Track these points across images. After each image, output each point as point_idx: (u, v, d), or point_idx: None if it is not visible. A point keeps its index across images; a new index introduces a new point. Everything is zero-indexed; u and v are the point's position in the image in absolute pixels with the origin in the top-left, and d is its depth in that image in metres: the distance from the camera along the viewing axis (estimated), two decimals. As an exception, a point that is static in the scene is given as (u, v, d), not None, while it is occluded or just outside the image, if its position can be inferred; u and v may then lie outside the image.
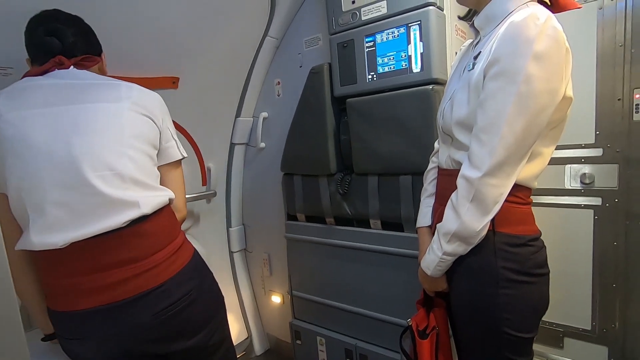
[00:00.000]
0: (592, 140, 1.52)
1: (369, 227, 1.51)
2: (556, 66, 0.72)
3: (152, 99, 1.01)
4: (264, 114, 1.92)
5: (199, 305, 0.99)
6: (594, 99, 1.49)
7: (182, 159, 1.08)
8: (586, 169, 1.54)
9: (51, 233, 0.80)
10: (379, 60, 1.35)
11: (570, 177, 1.58)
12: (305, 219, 1.73)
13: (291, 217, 1.79)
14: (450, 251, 0.83)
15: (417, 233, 1.08)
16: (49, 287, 0.88)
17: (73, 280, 0.84)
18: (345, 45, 1.43)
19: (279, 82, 1.85)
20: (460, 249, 0.82)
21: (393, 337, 1.41)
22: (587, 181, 1.53)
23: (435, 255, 0.87)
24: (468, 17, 0.91)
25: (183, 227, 1.79)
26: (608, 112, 1.47)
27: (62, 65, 0.93)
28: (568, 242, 1.58)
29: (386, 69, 1.34)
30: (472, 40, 0.97)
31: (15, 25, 1.08)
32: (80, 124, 0.85)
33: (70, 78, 0.92)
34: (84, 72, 0.97)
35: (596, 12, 1.47)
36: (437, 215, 0.95)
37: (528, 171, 0.81)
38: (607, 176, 1.50)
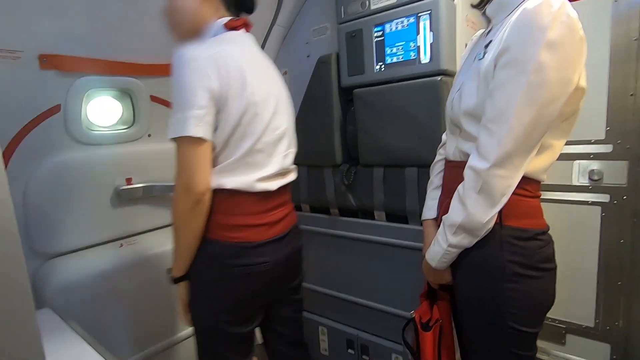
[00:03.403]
0: (602, 136, 1.49)
1: (374, 219, 1.51)
2: (569, 55, 0.70)
3: None
4: (270, 104, 1.91)
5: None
6: (606, 94, 1.46)
7: None
8: (595, 165, 1.52)
9: (270, 181, 0.99)
10: (388, 50, 1.33)
11: (579, 173, 1.56)
12: (310, 209, 1.73)
13: (296, 207, 1.78)
14: (456, 243, 0.83)
15: (422, 225, 1.07)
16: (246, 223, 0.96)
17: (267, 215, 0.99)
18: (353, 34, 1.42)
19: (285, 71, 1.83)
20: (466, 241, 0.82)
21: (395, 329, 1.42)
22: (595, 177, 1.52)
23: (440, 247, 0.86)
24: (480, 6, 0.89)
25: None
26: (619, 107, 1.45)
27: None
28: (574, 238, 1.57)
29: (394, 60, 1.32)
30: (483, 30, 0.95)
31: (22, 9, 1.08)
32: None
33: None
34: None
35: (611, 5, 1.44)
36: (443, 207, 0.95)
37: (537, 163, 0.79)
38: (616, 173, 1.48)
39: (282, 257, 1.03)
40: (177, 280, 0.99)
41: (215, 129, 0.89)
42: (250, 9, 1.07)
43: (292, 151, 1.10)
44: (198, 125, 0.84)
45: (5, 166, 0.85)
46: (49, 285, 1.29)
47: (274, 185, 1.00)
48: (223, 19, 0.99)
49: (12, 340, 0.40)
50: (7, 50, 1.11)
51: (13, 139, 1.23)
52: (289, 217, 1.09)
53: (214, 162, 0.93)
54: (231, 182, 0.93)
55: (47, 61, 1.20)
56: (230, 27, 0.98)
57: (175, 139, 0.86)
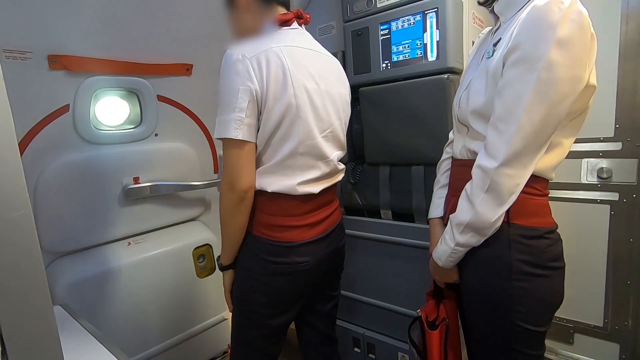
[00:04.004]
0: (611, 134, 1.48)
1: (380, 218, 1.51)
2: (580, 52, 0.69)
3: None
4: (276, 103, 1.91)
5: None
6: (615, 91, 1.45)
7: None
8: (604, 163, 1.51)
9: (312, 184, 0.98)
10: (394, 48, 1.33)
11: (587, 171, 1.54)
12: (316, 208, 1.73)
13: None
14: (463, 242, 0.82)
15: (428, 224, 1.07)
16: (287, 224, 0.98)
17: (309, 216, 1.00)
18: (359, 33, 1.41)
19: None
20: (474, 240, 0.81)
21: (401, 327, 1.42)
22: (604, 176, 1.50)
23: (448, 246, 0.86)
24: (488, 3, 0.88)
25: (194, 214, 1.82)
26: (629, 105, 1.43)
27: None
28: (583, 237, 1.55)
29: (401, 58, 1.32)
30: (490, 27, 0.94)
31: (32, 10, 1.09)
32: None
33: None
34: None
35: (620, 2, 1.42)
36: (450, 206, 0.94)
37: (546, 162, 0.79)
38: (626, 171, 1.47)
39: (323, 256, 1.04)
40: (224, 268, 1.04)
41: (258, 129, 0.91)
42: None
43: (339, 154, 1.08)
44: (239, 128, 0.86)
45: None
46: (59, 283, 1.31)
47: (316, 188, 0.99)
48: (272, 16, 0.99)
49: (30, 336, 0.41)
50: (17, 51, 1.12)
51: (23, 139, 1.25)
52: (332, 216, 1.08)
53: (257, 163, 0.95)
54: (272, 185, 0.94)
55: (56, 61, 1.22)
56: (281, 22, 0.98)
57: (220, 139, 0.89)
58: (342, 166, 1.11)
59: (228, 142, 0.88)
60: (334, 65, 1.08)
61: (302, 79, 0.92)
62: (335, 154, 1.05)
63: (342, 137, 1.09)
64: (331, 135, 1.02)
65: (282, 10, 1.01)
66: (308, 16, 1.05)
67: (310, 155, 0.97)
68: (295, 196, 0.96)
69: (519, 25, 0.72)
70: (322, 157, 1.00)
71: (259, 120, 0.90)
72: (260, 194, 0.95)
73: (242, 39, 1.01)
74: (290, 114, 0.91)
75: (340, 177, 1.11)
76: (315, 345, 1.23)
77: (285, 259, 0.97)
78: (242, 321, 1.05)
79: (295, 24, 1.01)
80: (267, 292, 0.99)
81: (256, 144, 0.92)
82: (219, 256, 1.04)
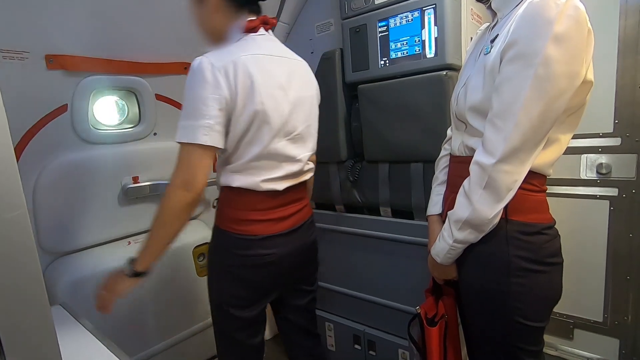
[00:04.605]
0: (610, 129, 1.48)
1: (379, 215, 1.51)
2: (577, 48, 0.69)
3: None
4: (275, 101, 1.91)
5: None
6: (614, 87, 1.45)
7: None
8: (603, 158, 1.51)
9: (277, 182, 1.00)
10: (392, 45, 1.33)
11: (586, 167, 1.54)
12: (315, 206, 1.73)
13: (301, 204, 1.79)
14: (461, 239, 0.82)
15: (427, 221, 1.07)
16: (252, 218, 1.00)
17: (275, 212, 1.02)
18: (357, 30, 1.41)
19: (289, 68, 1.83)
20: (472, 236, 0.81)
21: (401, 324, 1.42)
22: (603, 171, 1.50)
23: (446, 243, 0.86)
24: (485, -1, 0.88)
25: (194, 212, 1.82)
26: (628, 100, 1.43)
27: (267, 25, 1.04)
28: (582, 233, 1.55)
29: (399, 55, 1.31)
30: (488, 23, 0.94)
31: (28, 10, 1.09)
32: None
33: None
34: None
35: (620, -4, 1.42)
36: (448, 203, 0.94)
37: (544, 158, 0.79)
38: (625, 166, 1.46)
39: (290, 250, 1.06)
40: (140, 274, 0.98)
41: (227, 133, 0.93)
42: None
43: (306, 155, 1.09)
44: (207, 134, 0.88)
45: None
46: (59, 282, 1.31)
47: (281, 185, 1.01)
48: (239, 21, 0.99)
49: (27, 335, 0.41)
50: (15, 51, 1.12)
51: (21, 139, 1.25)
52: (300, 213, 1.10)
53: (226, 162, 0.98)
54: (237, 181, 0.97)
55: (54, 61, 1.21)
56: (247, 29, 0.98)
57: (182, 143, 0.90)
58: (310, 165, 1.13)
59: (193, 145, 0.89)
60: (301, 69, 1.08)
61: (269, 86, 0.94)
62: (302, 155, 1.06)
63: (310, 138, 1.10)
64: (298, 137, 1.04)
65: (251, 16, 1.01)
66: (275, 21, 1.06)
67: (275, 158, 0.99)
68: (259, 192, 0.98)
69: (515, 21, 0.72)
70: (288, 159, 1.02)
71: (228, 126, 0.92)
72: (226, 189, 0.99)
73: (207, 37, 1.04)
74: (258, 120, 0.93)
75: (307, 176, 1.12)
76: (296, 340, 1.25)
77: (251, 251, 0.99)
78: (217, 314, 1.09)
79: (262, 30, 1.01)
80: (236, 284, 1.02)
81: (225, 148, 0.95)
82: (131, 258, 0.98)
